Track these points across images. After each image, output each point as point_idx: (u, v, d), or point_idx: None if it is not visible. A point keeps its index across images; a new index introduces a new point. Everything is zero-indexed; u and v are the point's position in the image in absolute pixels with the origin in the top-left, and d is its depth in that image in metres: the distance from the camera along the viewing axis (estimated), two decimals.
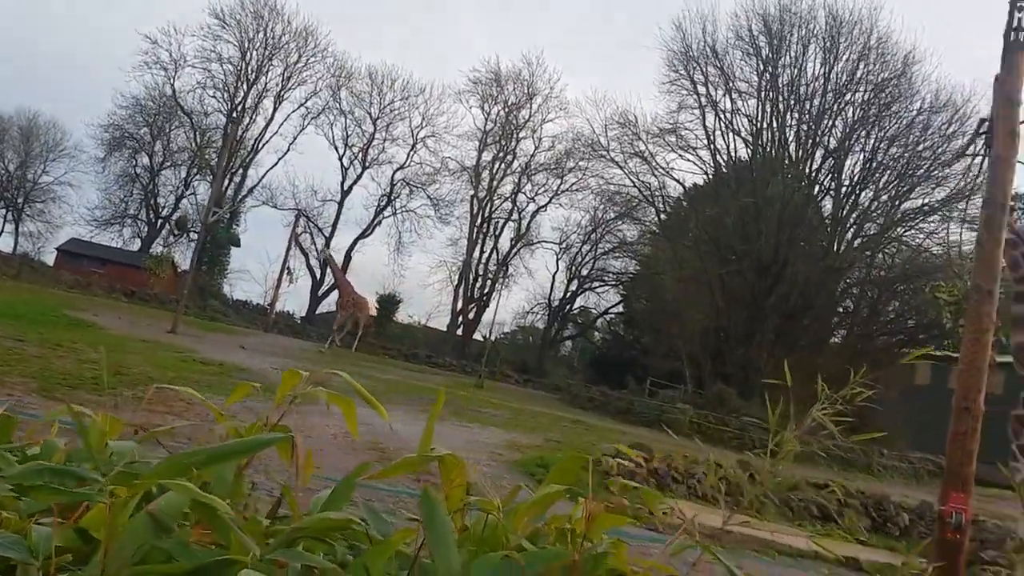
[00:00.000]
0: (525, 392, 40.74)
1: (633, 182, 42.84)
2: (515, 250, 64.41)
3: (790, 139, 39.10)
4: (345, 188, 62.33)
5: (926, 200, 38.07)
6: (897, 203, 38.31)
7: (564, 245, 63.98)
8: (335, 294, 59.00)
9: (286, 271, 49.07)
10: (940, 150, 36.88)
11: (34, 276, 42.62)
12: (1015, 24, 7.93)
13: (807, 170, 38.88)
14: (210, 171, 55.92)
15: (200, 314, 45.19)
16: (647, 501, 2.66)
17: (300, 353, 30.39)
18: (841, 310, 41.06)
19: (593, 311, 67.14)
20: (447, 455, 2.00)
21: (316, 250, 59.95)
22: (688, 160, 41.83)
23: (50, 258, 57.17)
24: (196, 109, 59.59)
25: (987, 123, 8.14)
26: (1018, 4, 7.97)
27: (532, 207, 63.84)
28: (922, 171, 37.57)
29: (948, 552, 7.07)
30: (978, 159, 8.35)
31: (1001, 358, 8.95)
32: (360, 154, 62.61)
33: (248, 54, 59.88)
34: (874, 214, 39.00)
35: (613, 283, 64.27)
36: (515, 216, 64.50)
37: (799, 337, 36.28)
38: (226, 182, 59.23)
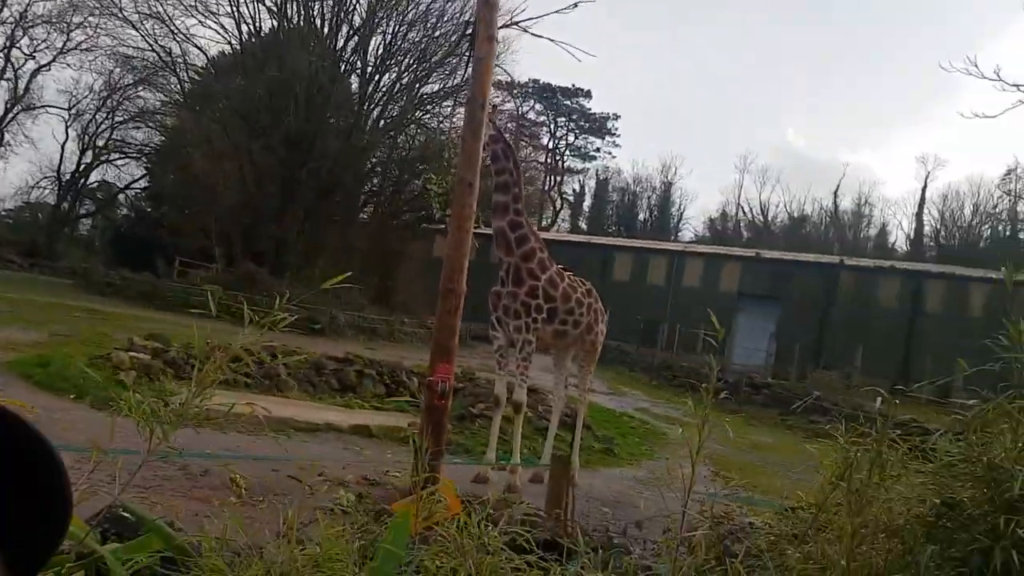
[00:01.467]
0: (31, 279, 36.17)
1: (151, 45, 39.20)
2: (12, 115, 55.55)
3: (315, 13, 38.74)
4: None
5: (442, 85, 40.84)
6: (417, 87, 40.49)
7: (75, 111, 56.79)
8: None
9: None
10: (454, 37, 39.47)
11: None
12: None
13: (334, 46, 39.05)
14: None
15: None
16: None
17: None
18: (368, 189, 42.83)
19: (116, 185, 61.24)
20: None
21: None
22: (210, 28, 39.38)
23: None
24: None
25: (472, 26, 8.78)
26: None
27: (32, 65, 55.16)
28: (438, 57, 40.01)
29: (436, 415, 7.87)
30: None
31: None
32: None
33: None
34: (397, 96, 40.80)
35: (135, 156, 59.02)
36: (9, 75, 55.23)
37: (330, 214, 37.19)
38: None
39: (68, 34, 53.46)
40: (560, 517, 5.83)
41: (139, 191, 60.39)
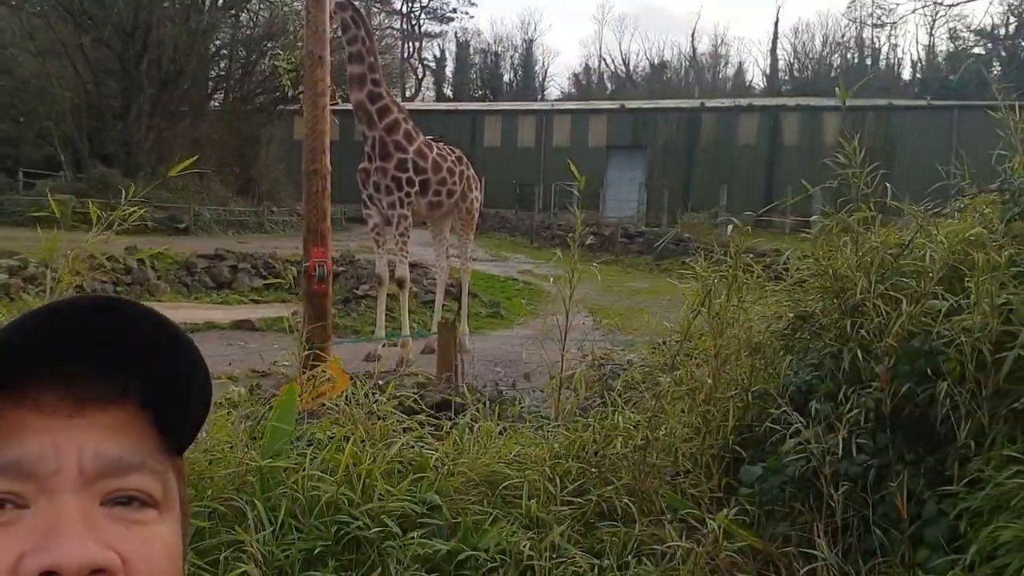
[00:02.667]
0: None
1: None
2: None
3: None
4: None
5: None
6: None
7: None
8: None
9: None
10: None
11: None
12: None
13: None
14: None
15: None
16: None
17: None
18: (215, 74, 40.43)
19: None
20: None
21: None
22: None
23: None
24: None
25: None
26: None
27: None
28: None
29: (317, 301, 7.81)
30: None
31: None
32: None
33: None
34: None
35: None
36: None
37: (178, 105, 35.09)
38: None
39: None
40: (451, 379, 6.00)
41: None
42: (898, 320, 2.95)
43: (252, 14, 39.94)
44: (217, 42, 39.29)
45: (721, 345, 3.09)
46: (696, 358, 3.42)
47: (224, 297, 14.59)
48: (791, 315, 3.35)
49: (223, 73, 40.24)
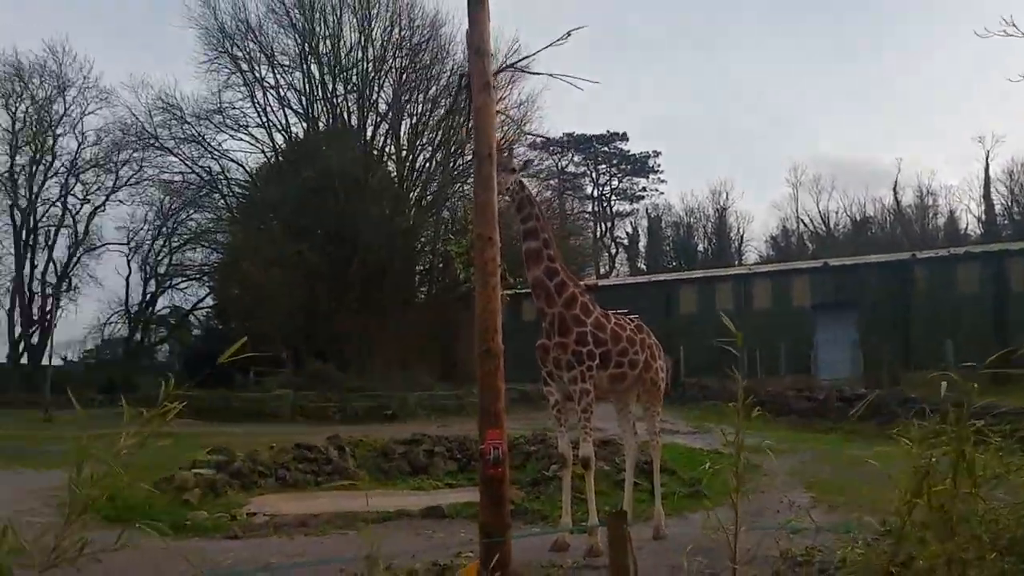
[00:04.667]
0: (110, 415, 36.85)
1: (191, 168, 40.46)
2: (76, 259, 57.86)
3: (341, 109, 39.60)
4: None
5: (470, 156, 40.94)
6: (450, 161, 40.81)
7: (133, 244, 58.84)
8: None
9: None
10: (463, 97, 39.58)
11: None
12: None
13: (364, 138, 39.76)
14: None
15: None
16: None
17: None
18: (421, 268, 42.99)
19: (183, 309, 62.94)
20: None
21: None
22: (243, 140, 40.54)
23: None
24: None
25: (466, 78, 8.51)
26: None
27: (87, 208, 57.62)
28: (463, 132, 40.24)
29: (493, 486, 7.36)
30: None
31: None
32: None
33: None
34: (433, 173, 41.16)
35: (196, 276, 60.75)
36: (68, 221, 57.75)
37: (384, 301, 37.34)
38: None
39: (116, 173, 55.84)
40: None
41: (207, 310, 61.94)
42: None
43: (452, 212, 42.70)
44: (421, 239, 42.02)
45: (953, 550, 2.26)
46: (923, 560, 2.57)
47: (419, 482, 14.44)
48: None
49: (427, 268, 42.71)
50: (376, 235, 35.51)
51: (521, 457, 14.60)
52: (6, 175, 55.14)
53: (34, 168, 56.34)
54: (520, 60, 8.83)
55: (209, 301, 60.50)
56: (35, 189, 56.36)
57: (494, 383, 7.60)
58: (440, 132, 40.77)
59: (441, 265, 41.12)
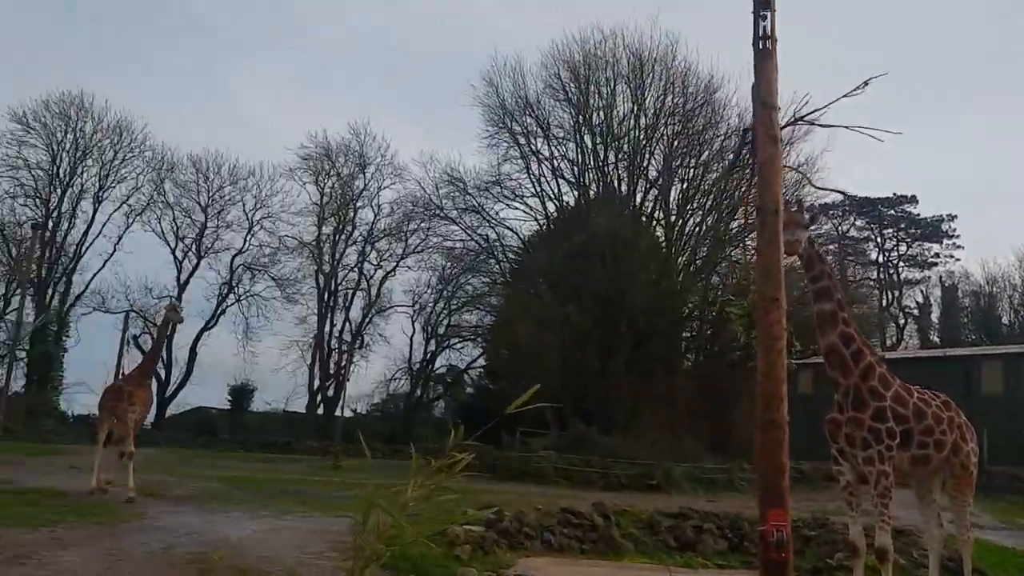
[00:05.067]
0: (390, 464, 39.30)
1: (471, 236, 42.92)
2: (368, 319, 63.44)
3: (611, 176, 40.30)
4: (181, 282, 59.59)
5: (749, 217, 39.86)
6: (721, 225, 39.96)
7: (417, 307, 63.55)
8: (184, 393, 55.78)
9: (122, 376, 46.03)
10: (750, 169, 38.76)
11: None
12: (760, 33, 8.02)
13: (633, 204, 40.09)
14: (31, 284, 51.93)
15: (30, 437, 41.56)
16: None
17: (136, 464, 28.03)
18: (687, 333, 42.16)
19: (458, 368, 66.63)
20: None
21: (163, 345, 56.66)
22: (517, 208, 42.39)
23: None
24: (8, 220, 55.37)
25: (750, 132, 8.14)
26: (761, 13, 8.07)
27: (380, 274, 63.32)
28: (742, 190, 39.38)
29: (775, 572, 6.73)
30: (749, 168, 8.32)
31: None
32: (193, 245, 60.14)
33: (59, 157, 56.63)
34: (703, 238, 40.50)
35: (471, 337, 64.07)
36: (363, 285, 63.69)
37: (650, 365, 36.88)
38: (50, 292, 55.39)
39: (406, 241, 60.96)
40: None
41: (479, 369, 65.05)
42: None
43: (721, 277, 41.63)
44: (689, 304, 41.29)
45: None
46: None
47: (687, 559, 13.72)
48: None
49: (694, 333, 41.80)
50: (643, 298, 35.39)
51: (800, 542, 13.43)
52: (313, 243, 62.14)
53: (336, 237, 63.03)
54: (809, 113, 8.27)
55: (481, 361, 63.61)
56: (337, 256, 63.00)
57: (777, 457, 7.01)
58: (711, 196, 40.18)
59: (709, 332, 40.08)
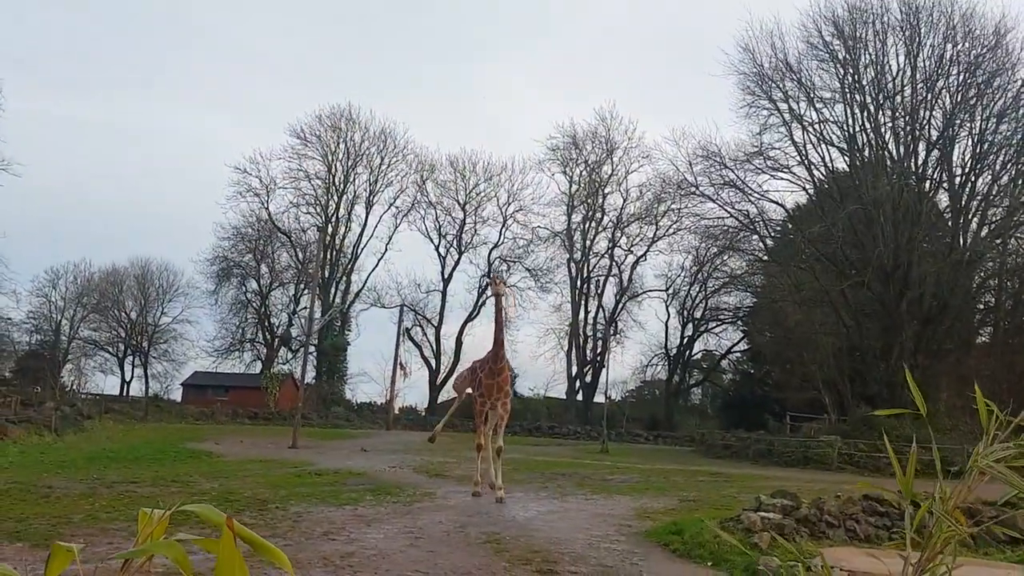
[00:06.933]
0: (655, 449, 39.02)
1: (729, 212, 41.14)
2: (621, 305, 63.55)
3: (887, 138, 36.91)
4: (446, 276, 63.18)
5: None
6: (1020, 182, 35.33)
7: (671, 291, 62.67)
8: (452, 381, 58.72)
9: (399, 366, 49.63)
10: None
11: (160, 414, 43.90)
12: None
13: (912, 166, 36.47)
14: (317, 284, 57.40)
15: (323, 423, 45.74)
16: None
17: (419, 447, 29.85)
18: (982, 306, 37.82)
19: (716, 353, 64.86)
20: None
21: (426, 342, 60.54)
22: (782, 179, 40.01)
23: (178, 394, 59.26)
24: (293, 227, 61.56)
25: None
26: None
27: (631, 259, 63.24)
28: None
29: None
30: None
31: None
32: (455, 241, 63.47)
33: (333, 166, 61.98)
34: (996, 198, 36.09)
35: (730, 320, 62.23)
36: (615, 271, 63.81)
37: (941, 342, 33.45)
38: (332, 291, 60.72)
39: (656, 224, 60.25)
40: None
41: (740, 353, 62.91)
42: None
43: (1021, 240, 36.87)
44: (983, 273, 37.05)
45: None
46: None
47: (1022, 555, 12.03)
48: None
49: (991, 305, 37.43)
50: (930, 270, 32.07)
51: None
52: (564, 232, 63.16)
53: (586, 225, 63.74)
54: None
55: (743, 346, 61.36)
56: (587, 244, 63.73)
57: None
58: (1008, 150, 35.62)
59: (1009, 304, 35.62)
